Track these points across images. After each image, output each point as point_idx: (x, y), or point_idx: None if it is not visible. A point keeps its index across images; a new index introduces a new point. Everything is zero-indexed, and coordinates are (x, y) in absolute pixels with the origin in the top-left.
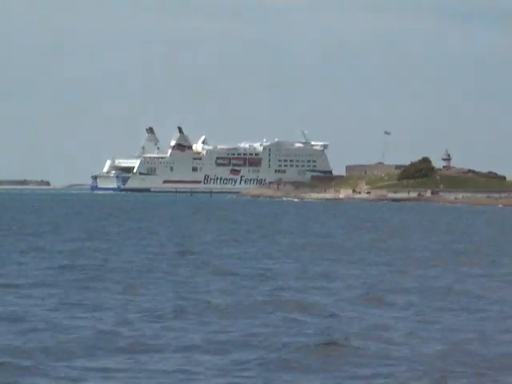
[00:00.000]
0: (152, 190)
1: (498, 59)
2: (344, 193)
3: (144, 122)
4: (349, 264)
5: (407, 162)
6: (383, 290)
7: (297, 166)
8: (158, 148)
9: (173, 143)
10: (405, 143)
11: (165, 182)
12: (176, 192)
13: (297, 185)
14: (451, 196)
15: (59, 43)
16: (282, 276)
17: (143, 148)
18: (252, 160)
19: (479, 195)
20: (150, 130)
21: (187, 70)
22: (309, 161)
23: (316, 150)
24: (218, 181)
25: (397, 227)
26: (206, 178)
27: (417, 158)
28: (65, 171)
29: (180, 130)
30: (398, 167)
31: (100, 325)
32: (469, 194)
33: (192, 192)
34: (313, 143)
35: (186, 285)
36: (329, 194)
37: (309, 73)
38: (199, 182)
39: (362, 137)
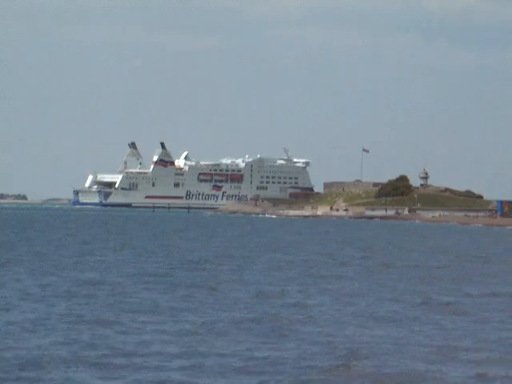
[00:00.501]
0: (133, 205)
1: (476, 77)
2: (322, 210)
3: (126, 137)
4: (347, 281)
5: (385, 180)
6: (379, 306)
7: (279, 182)
8: (141, 163)
9: (155, 159)
10: (383, 161)
11: (147, 197)
12: (153, 207)
13: (274, 201)
14: (429, 214)
15: (50, 56)
16: (280, 294)
17: (125, 163)
18: (234, 176)
19: (456, 213)
20: (133, 145)
21: (170, 85)
22: (291, 178)
23: (298, 167)
24: (200, 197)
25: (383, 245)
26: (188, 193)
27: (394, 175)
28: (41, 186)
29: (162, 145)
30: (375, 185)
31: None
32: (446, 213)
33: (170, 207)
34: (295, 160)
35: (184, 301)
36: (307, 211)
37: (291, 89)
38: (181, 197)
39: (340, 154)
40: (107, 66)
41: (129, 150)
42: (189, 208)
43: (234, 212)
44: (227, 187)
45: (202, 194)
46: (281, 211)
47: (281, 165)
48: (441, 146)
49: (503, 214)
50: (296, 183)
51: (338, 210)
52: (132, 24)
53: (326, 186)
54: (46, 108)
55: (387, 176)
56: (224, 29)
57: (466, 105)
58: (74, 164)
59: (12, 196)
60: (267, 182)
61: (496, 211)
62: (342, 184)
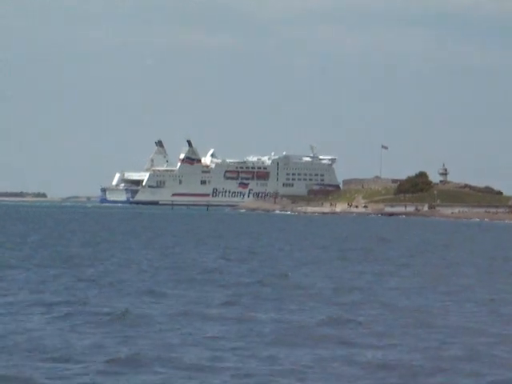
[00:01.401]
0: (160, 202)
1: (495, 73)
2: (340, 207)
3: (153, 136)
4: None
5: (404, 177)
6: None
7: (305, 179)
8: (167, 161)
9: (182, 156)
10: (402, 157)
11: (174, 194)
12: (172, 205)
13: (294, 198)
14: (448, 210)
15: (64, 53)
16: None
17: (152, 161)
18: (260, 173)
19: (476, 210)
20: (159, 143)
21: (196, 82)
22: (316, 174)
23: (324, 164)
24: (227, 194)
25: (417, 244)
26: (215, 191)
27: (414, 172)
28: (60, 184)
29: (189, 143)
30: (394, 181)
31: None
32: (466, 209)
33: (189, 205)
34: (321, 157)
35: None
36: (326, 208)
37: (314, 87)
38: (207, 195)
39: (360, 151)
40: (135, 63)
41: (155, 148)
42: (208, 205)
43: (254, 209)
44: (253, 184)
45: (229, 192)
46: (299, 208)
47: (307, 162)
48: (460, 142)
49: None
50: (322, 180)
51: (357, 206)
52: (156, 23)
53: (345, 182)
54: (69, 106)
55: (406, 172)
56: (245, 28)
57: (485, 101)
58: (95, 163)
59: (31, 194)
60: (293, 179)
61: None
62: (361, 181)
